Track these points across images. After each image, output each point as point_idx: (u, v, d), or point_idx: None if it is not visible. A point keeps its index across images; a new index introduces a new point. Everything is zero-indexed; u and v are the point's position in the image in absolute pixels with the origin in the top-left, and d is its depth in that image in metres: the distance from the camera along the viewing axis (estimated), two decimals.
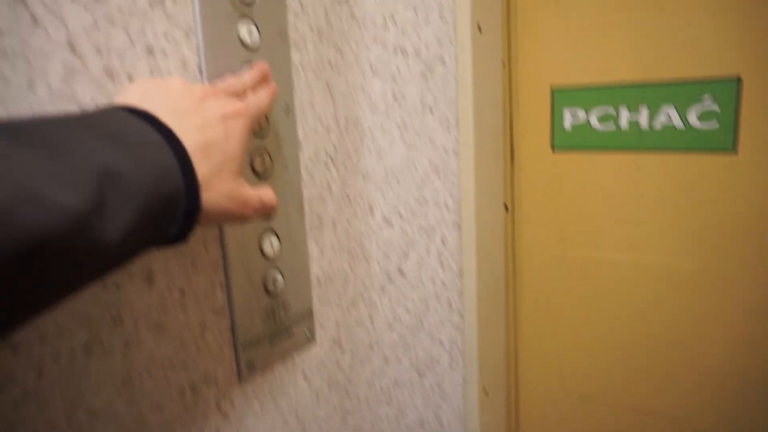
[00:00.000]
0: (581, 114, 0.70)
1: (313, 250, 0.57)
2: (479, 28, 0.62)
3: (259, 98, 0.42)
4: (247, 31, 0.46)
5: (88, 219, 0.25)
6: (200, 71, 0.43)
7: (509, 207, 0.77)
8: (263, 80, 0.44)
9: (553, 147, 0.73)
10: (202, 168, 0.33)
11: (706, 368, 0.68)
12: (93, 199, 0.25)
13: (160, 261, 0.41)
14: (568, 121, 0.71)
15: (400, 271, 0.67)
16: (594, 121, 0.69)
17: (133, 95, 0.35)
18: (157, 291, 0.41)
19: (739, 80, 0.60)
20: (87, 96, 0.36)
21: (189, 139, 0.33)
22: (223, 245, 0.46)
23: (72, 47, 0.35)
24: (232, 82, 0.42)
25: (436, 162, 0.64)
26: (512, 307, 0.81)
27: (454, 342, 0.73)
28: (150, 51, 0.40)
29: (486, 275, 0.72)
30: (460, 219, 0.67)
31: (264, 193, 0.41)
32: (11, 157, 0.23)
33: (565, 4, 0.68)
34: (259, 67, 0.45)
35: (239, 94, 0.42)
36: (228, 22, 0.45)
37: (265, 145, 0.49)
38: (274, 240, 0.50)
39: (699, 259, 0.66)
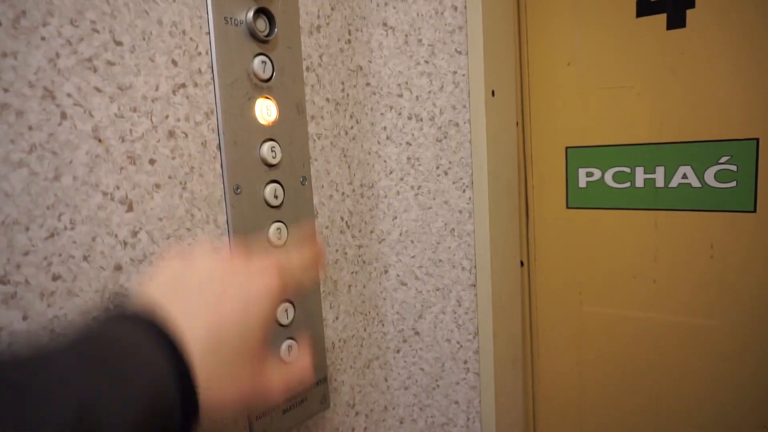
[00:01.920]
0: (596, 172, 0.70)
1: (328, 315, 0.57)
2: (492, 93, 0.63)
3: (298, 276, 0.38)
4: (264, 108, 0.48)
5: None
6: (219, 149, 0.44)
7: (525, 263, 0.77)
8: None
9: (567, 204, 0.72)
10: (208, 369, 0.29)
11: (727, 428, 0.65)
12: None
13: None
14: (582, 180, 0.71)
15: (416, 331, 0.67)
16: (609, 180, 0.69)
17: (154, 287, 0.32)
18: None
19: (757, 142, 0.60)
20: (111, 182, 0.37)
21: (200, 342, 0.29)
22: None
23: (97, 137, 0.37)
24: (280, 262, 0.35)
25: (451, 223, 0.64)
26: (530, 365, 0.79)
27: (471, 402, 0.71)
28: (172, 134, 0.41)
29: (502, 334, 0.71)
30: (476, 279, 0.67)
31: (293, 375, 0.36)
32: None
33: (578, 66, 0.69)
34: (316, 250, 0.41)
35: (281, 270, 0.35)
36: (246, 100, 0.46)
37: (280, 216, 0.50)
38: (290, 309, 0.51)
39: (718, 317, 0.65)
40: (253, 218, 0.47)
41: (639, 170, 0.67)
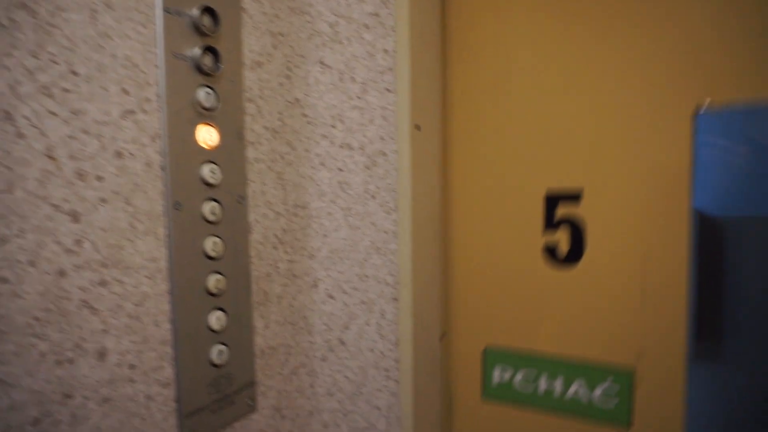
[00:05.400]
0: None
1: (258, 323, 0.62)
2: (417, 127, 0.70)
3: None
4: (207, 134, 0.53)
5: None
6: (163, 169, 0.49)
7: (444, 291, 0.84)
8: None
9: None
10: None
11: None
12: None
13: (113, 338, 0.46)
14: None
15: (341, 341, 0.73)
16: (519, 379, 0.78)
17: None
18: (108, 366, 0.46)
19: (633, 372, 0.67)
20: (60, 196, 0.42)
21: None
22: (173, 321, 0.51)
23: (49, 155, 0.41)
24: None
25: (377, 242, 0.71)
26: (447, 374, 0.86)
27: (391, 407, 0.77)
28: (119, 154, 0.46)
29: (422, 345, 0.77)
30: (398, 293, 0.73)
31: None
32: None
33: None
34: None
35: None
36: (190, 126, 0.51)
37: (217, 231, 0.55)
38: (221, 315, 0.56)
39: None
40: (192, 232, 0.52)
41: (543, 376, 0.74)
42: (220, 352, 0.56)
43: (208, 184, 0.53)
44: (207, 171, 0.53)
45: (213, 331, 0.55)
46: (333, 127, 0.68)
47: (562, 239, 0.72)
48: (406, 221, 0.71)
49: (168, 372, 0.51)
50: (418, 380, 0.77)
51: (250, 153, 0.59)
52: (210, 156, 0.54)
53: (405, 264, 0.72)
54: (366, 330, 0.73)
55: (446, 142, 0.82)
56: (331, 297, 0.71)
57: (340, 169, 0.69)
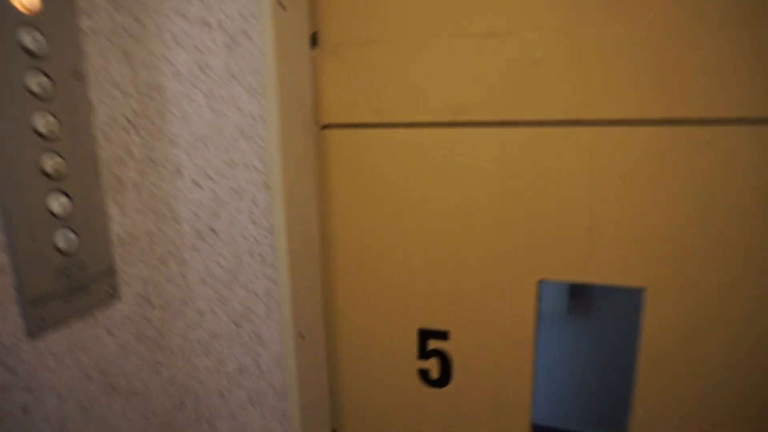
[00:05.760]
0: None
1: (113, 210, 0.59)
2: (282, 5, 0.67)
3: None
4: None
5: None
6: None
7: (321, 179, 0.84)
8: None
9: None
10: None
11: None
12: None
13: None
14: None
15: (212, 229, 0.72)
16: None
17: None
18: None
19: None
20: None
21: None
22: (1, 207, 0.47)
23: None
24: None
25: (244, 127, 0.69)
26: (327, 257, 0.89)
27: (270, 292, 0.79)
28: None
29: (297, 229, 0.78)
30: (269, 180, 0.73)
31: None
32: None
33: None
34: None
35: None
36: None
37: (50, 108, 0.50)
38: (64, 199, 0.52)
39: None
40: (12, 104, 0.47)
41: None
42: (68, 239, 0.53)
43: (30, 53, 0.48)
44: (27, 38, 0.47)
45: (55, 216, 0.52)
46: (187, 1, 0.63)
47: (433, 367, 0.82)
48: (273, 105, 0.69)
49: (2, 258, 0.48)
50: (296, 265, 0.79)
51: (85, 23, 0.53)
52: (29, 20, 0.47)
53: (274, 149, 0.71)
54: (238, 217, 0.73)
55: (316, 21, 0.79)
56: (197, 185, 0.69)
57: (199, 49, 0.64)
